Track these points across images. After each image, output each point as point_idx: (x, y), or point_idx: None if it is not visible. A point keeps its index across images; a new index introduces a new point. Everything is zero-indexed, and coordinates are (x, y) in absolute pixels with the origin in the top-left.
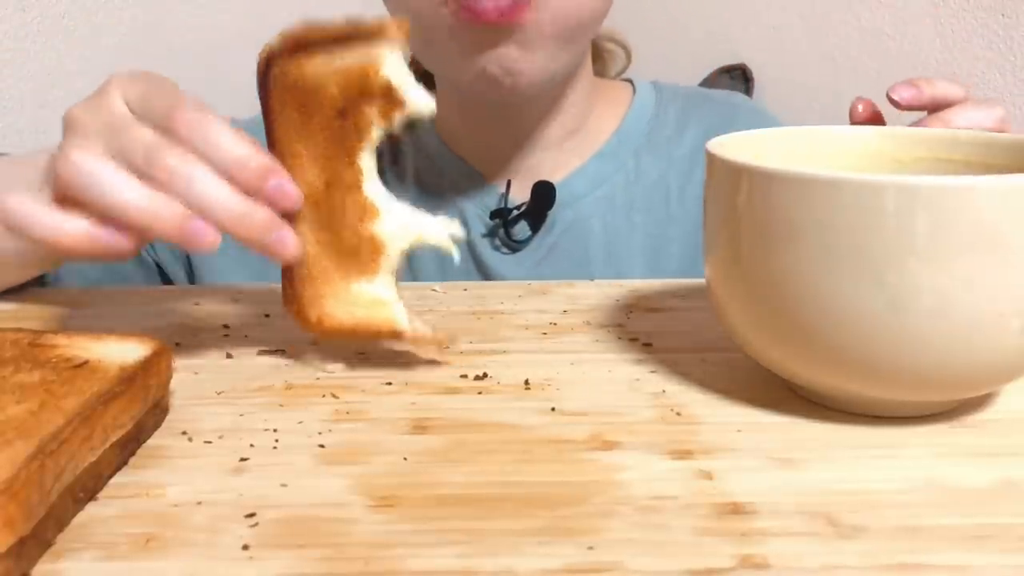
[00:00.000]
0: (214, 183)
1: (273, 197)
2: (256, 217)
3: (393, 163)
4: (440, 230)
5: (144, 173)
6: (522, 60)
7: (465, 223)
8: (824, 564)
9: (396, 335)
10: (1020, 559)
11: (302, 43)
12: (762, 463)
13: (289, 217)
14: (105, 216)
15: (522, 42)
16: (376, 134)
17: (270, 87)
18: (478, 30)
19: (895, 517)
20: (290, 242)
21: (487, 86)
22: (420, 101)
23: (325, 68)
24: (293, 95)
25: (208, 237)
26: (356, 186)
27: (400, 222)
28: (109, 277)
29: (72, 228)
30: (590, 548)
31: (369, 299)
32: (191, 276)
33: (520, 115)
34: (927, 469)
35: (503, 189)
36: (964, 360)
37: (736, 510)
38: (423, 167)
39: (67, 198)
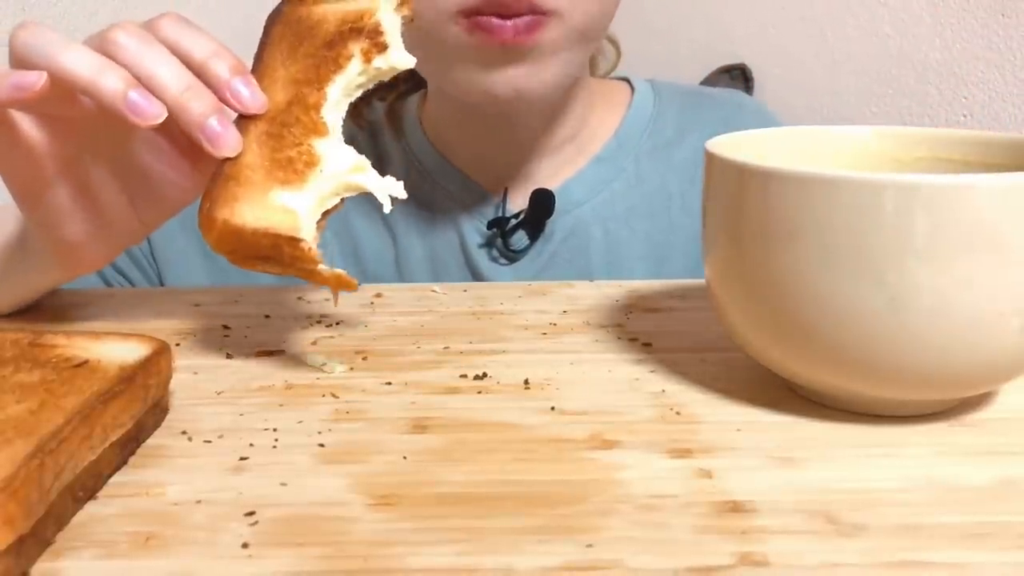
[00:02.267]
0: (164, 58)
1: (237, 93)
2: (201, 98)
3: (379, 172)
4: (383, 181)
5: (98, 50)
6: (534, 78)
7: (461, 233)
8: (824, 562)
9: (294, 243)
10: (1019, 557)
11: None
12: (762, 462)
13: (242, 126)
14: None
15: (535, 60)
16: (353, 71)
17: (275, 20)
18: (491, 49)
19: (895, 515)
20: (230, 137)
21: (495, 103)
22: (401, 54)
23: (328, 9)
24: (293, 29)
25: (152, 109)
26: (316, 108)
27: (346, 154)
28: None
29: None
30: (589, 546)
31: (281, 207)
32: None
33: (520, 123)
34: (927, 468)
35: (499, 198)
36: (964, 359)
37: (736, 508)
38: (415, 177)
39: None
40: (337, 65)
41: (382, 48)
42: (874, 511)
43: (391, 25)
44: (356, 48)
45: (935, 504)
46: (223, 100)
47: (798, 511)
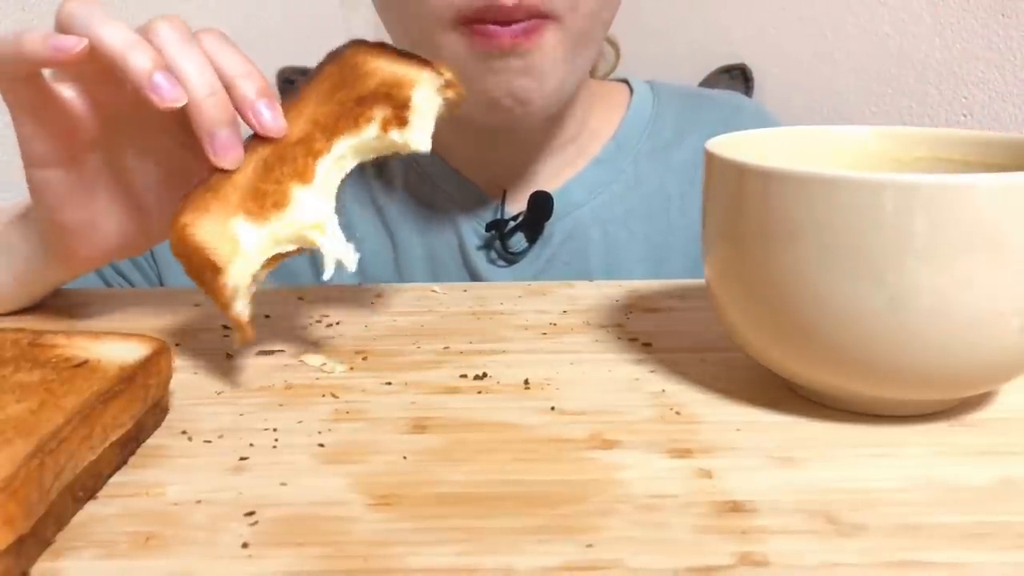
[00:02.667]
0: (196, 57)
1: (259, 113)
2: (219, 106)
3: (379, 174)
4: (337, 246)
5: (139, 33)
6: (534, 89)
7: (459, 235)
8: (824, 562)
9: (216, 273)
10: (1018, 557)
11: (383, 46)
12: (762, 462)
13: (250, 146)
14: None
15: (534, 69)
16: (368, 135)
17: (333, 59)
18: (491, 57)
19: (894, 515)
20: (232, 151)
21: (496, 114)
22: (421, 136)
23: (382, 65)
24: (343, 73)
25: (172, 92)
26: (315, 155)
27: (317, 209)
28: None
29: (36, 34)
30: (589, 546)
31: (232, 235)
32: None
33: (520, 126)
34: (926, 467)
35: (498, 200)
36: (963, 359)
37: (736, 508)
38: (414, 179)
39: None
40: (355, 123)
41: (403, 123)
42: (874, 511)
43: (425, 104)
44: (379, 114)
45: (935, 504)
46: (245, 118)
47: (798, 511)
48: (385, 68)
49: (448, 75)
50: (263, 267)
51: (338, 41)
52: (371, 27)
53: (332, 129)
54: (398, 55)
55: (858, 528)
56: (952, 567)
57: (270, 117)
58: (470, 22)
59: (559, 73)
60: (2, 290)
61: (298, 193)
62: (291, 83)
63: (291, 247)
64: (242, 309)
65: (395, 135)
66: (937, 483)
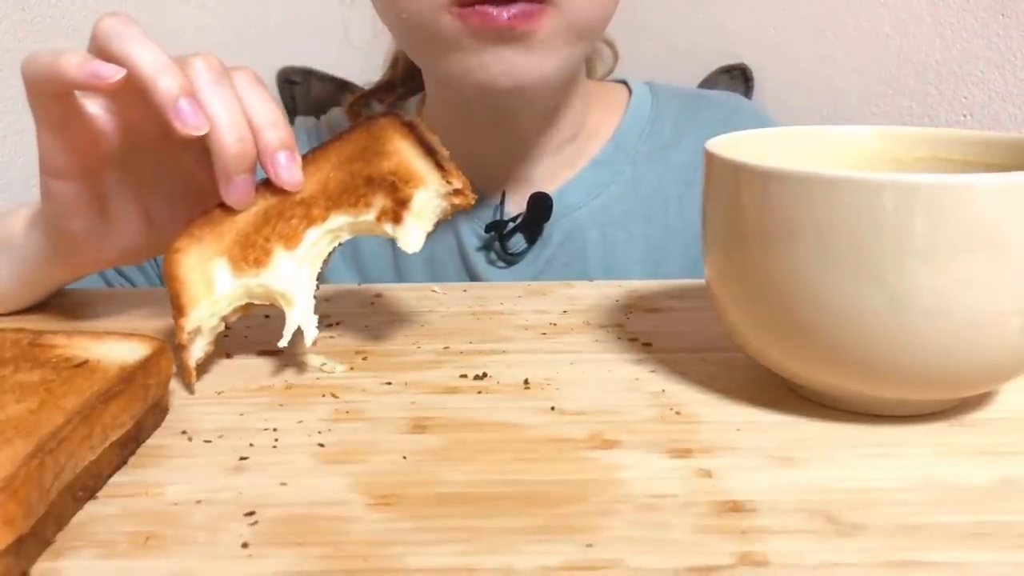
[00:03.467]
0: (229, 98)
1: (276, 163)
2: (244, 152)
3: None
4: (302, 319)
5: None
6: (528, 66)
7: (459, 236)
8: (823, 562)
9: (180, 313)
10: (1018, 556)
11: (415, 128)
12: (762, 462)
13: (263, 190)
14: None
15: (530, 48)
16: (364, 218)
17: (368, 123)
18: (485, 33)
19: (894, 515)
20: (243, 195)
21: (489, 92)
22: (412, 238)
23: (402, 150)
24: (367, 142)
25: (195, 119)
26: (311, 221)
27: (291, 278)
28: None
29: (75, 57)
30: (589, 546)
31: (209, 276)
32: None
33: (518, 124)
34: (926, 467)
35: (497, 201)
36: (963, 359)
37: (736, 508)
38: None
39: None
40: (356, 203)
41: (399, 219)
42: (874, 511)
43: (426, 207)
44: (379, 203)
45: (935, 504)
46: (263, 165)
47: (798, 511)
48: (403, 155)
49: (457, 184)
50: (234, 312)
51: (337, 41)
52: (369, 26)
53: (335, 201)
54: (422, 144)
55: (858, 528)
56: (952, 567)
57: (287, 170)
58: (467, 5)
59: (557, 59)
60: (4, 290)
61: (280, 257)
62: (291, 83)
63: (263, 302)
64: (197, 351)
65: (388, 228)
66: (937, 483)
